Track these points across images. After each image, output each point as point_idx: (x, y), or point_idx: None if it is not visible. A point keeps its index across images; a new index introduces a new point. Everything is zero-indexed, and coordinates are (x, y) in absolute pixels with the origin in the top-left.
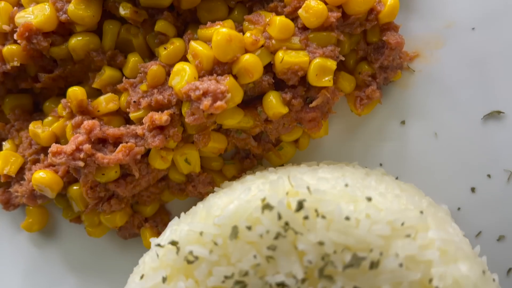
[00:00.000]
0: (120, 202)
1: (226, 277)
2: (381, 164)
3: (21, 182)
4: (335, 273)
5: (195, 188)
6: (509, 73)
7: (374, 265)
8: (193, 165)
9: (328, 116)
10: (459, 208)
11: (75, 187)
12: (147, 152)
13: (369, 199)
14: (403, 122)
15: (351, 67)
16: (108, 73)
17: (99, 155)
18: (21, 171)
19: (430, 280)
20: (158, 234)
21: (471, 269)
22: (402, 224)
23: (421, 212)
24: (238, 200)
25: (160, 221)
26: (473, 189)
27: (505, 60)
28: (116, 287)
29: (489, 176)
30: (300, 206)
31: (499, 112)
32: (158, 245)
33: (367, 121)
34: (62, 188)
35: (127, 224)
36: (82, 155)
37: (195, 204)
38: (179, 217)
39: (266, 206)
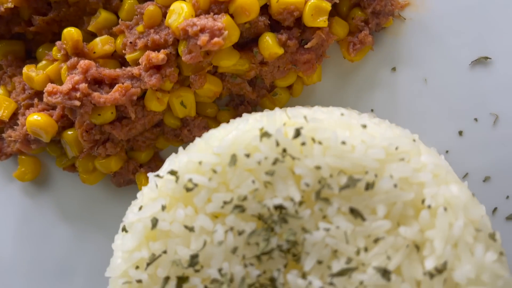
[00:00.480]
0: (116, 146)
1: (225, 203)
2: (372, 110)
3: (15, 127)
4: (331, 195)
5: (190, 132)
6: (495, 20)
7: (369, 186)
8: (189, 108)
9: (322, 60)
10: (447, 151)
11: (69, 132)
12: (143, 95)
13: (364, 126)
14: (393, 69)
15: (344, 14)
16: (103, 15)
17: (95, 94)
18: (14, 117)
19: (423, 201)
20: None
21: (461, 191)
22: (396, 148)
23: (414, 140)
24: (237, 131)
25: (155, 167)
26: (460, 133)
27: (492, 8)
28: (110, 235)
29: (476, 119)
30: (297, 133)
31: (486, 58)
32: (157, 175)
33: (359, 68)
34: (57, 134)
35: (121, 169)
36: (78, 95)
37: None
38: None
39: (264, 134)
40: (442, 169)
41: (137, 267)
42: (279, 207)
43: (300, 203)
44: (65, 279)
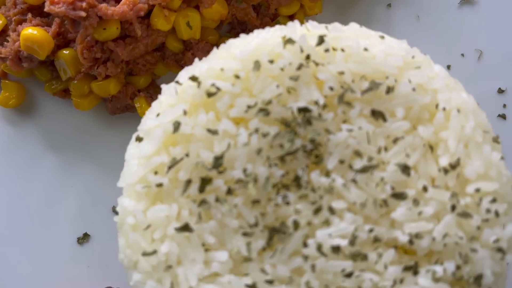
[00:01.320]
0: (116, 67)
1: (249, 107)
2: None
3: (5, 43)
4: (353, 99)
5: (194, 55)
6: None
7: (390, 90)
8: (194, 29)
9: None
10: None
11: (65, 51)
12: (148, 15)
13: (382, 37)
14: (389, 5)
15: None
16: None
17: (102, 5)
18: (2, 34)
19: (437, 105)
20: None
21: (470, 97)
22: (413, 57)
23: (425, 54)
24: (258, 39)
25: (153, 93)
26: (448, 67)
27: None
28: (102, 165)
29: (462, 55)
30: (321, 40)
31: None
32: (177, 82)
33: (357, 3)
34: (51, 53)
35: (119, 94)
36: (84, 5)
37: None
38: None
39: (288, 41)
40: (451, 79)
41: (155, 173)
42: (303, 110)
43: (323, 106)
44: (53, 210)
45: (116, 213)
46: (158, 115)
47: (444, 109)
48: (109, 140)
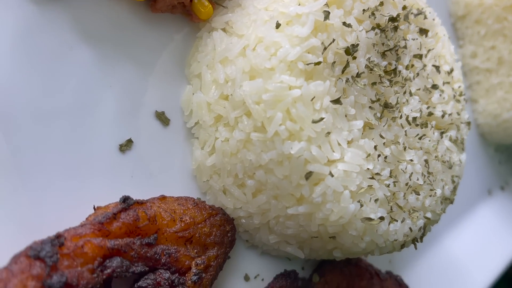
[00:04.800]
0: None
1: (364, 10)
2: None
3: None
4: (411, 19)
5: None
6: None
7: (425, 16)
8: None
9: None
10: None
11: None
12: None
13: None
14: None
15: None
16: None
17: None
18: None
19: (436, 33)
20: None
21: None
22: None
23: None
24: None
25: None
26: None
27: None
28: (142, 66)
29: None
30: None
31: None
32: None
33: None
34: None
35: None
36: None
37: None
38: None
39: None
40: None
41: (308, 53)
42: (392, 20)
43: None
44: (90, 113)
45: (160, 118)
46: (299, 4)
47: (444, 35)
48: (148, 40)
